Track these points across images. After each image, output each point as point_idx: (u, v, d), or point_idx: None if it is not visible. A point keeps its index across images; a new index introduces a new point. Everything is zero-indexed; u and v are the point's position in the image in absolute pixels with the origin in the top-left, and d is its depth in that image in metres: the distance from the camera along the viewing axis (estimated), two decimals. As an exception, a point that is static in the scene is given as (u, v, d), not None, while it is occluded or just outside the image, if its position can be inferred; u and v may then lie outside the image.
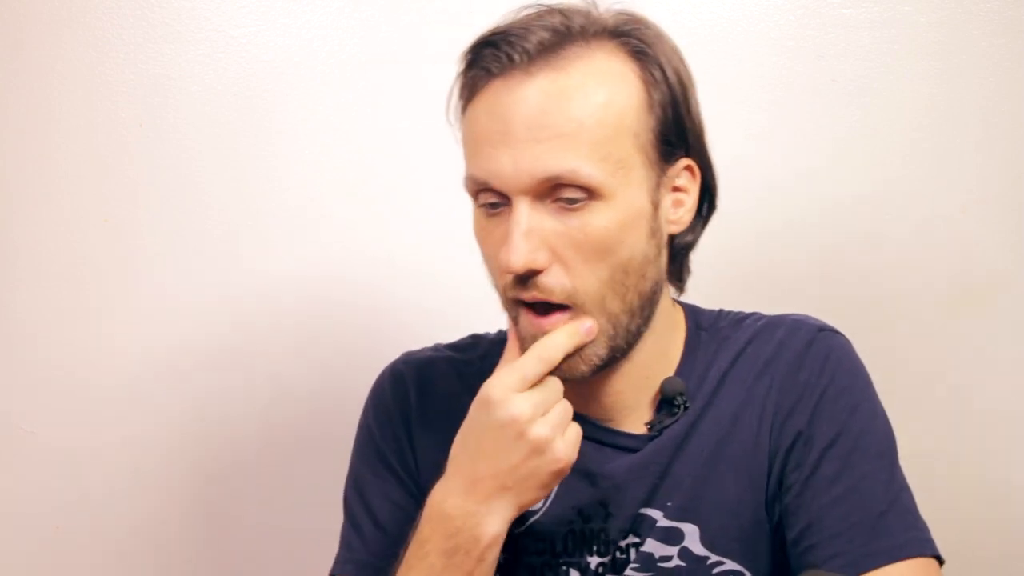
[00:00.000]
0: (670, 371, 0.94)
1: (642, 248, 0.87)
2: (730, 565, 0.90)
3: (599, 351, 0.86)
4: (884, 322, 1.42)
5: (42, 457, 1.35)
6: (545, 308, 0.86)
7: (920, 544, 0.86)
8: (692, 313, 0.98)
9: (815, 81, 1.41)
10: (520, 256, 0.83)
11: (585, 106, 0.84)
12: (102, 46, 1.33)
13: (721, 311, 0.99)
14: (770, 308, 0.99)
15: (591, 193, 0.83)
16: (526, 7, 0.89)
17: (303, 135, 1.37)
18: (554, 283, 0.84)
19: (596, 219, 0.84)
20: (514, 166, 0.83)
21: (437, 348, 1.03)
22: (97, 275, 1.35)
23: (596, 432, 0.93)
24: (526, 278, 0.84)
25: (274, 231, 1.37)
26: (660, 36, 0.90)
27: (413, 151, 1.38)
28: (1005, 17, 1.41)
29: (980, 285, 1.43)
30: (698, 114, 0.91)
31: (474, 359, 1.00)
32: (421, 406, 0.98)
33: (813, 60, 1.41)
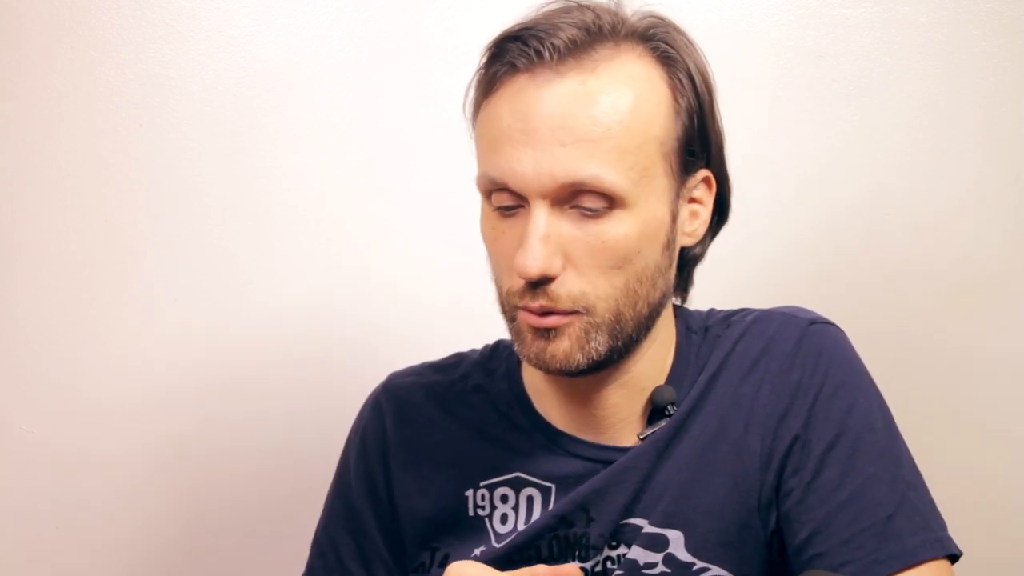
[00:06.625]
0: (662, 379, 0.92)
1: (656, 259, 0.86)
2: (716, 571, 0.88)
3: (599, 347, 0.84)
4: (883, 321, 1.42)
5: (42, 457, 1.35)
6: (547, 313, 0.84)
7: (932, 545, 0.83)
8: (682, 316, 0.96)
9: (815, 81, 1.41)
10: (536, 261, 0.80)
11: (613, 111, 0.81)
12: (102, 46, 1.33)
13: (711, 310, 0.98)
14: (768, 307, 0.99)
15: (612, 201, 0.82)
16: (549, 3, 0.86)
17: (303, 135, 1.37)
18: (563, 291, 0.82)
19: (616, 228, 0.82)
20: (535, 168, 0.81)
21: (422, 370, 1.02)
22: (97, 275, 1.35)
23: (588, 451, 0.92)
24: (536, 284, 0.82)
25: (274, 231, 1.37)
26: (688, 41, 0.88)
27: (413, 151, 1.38)
28: (1005, 17, 1.41)
29: (980, 285, 1.43)
30: (720, 124, 0.90)
31: (455, 380, 0.99)
32: (399, 437, 0.98)
33: (813, 60, 1.41)
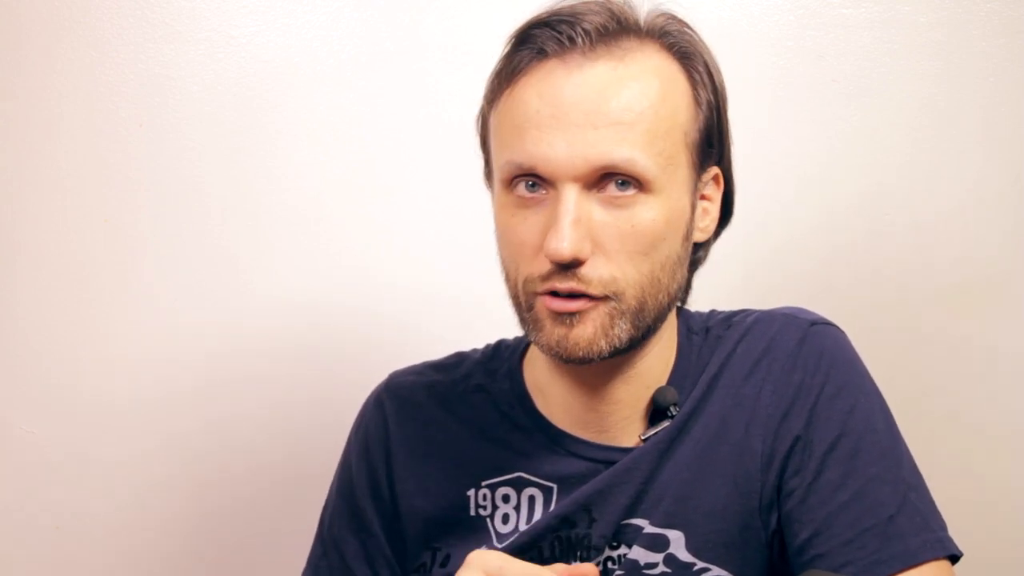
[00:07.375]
0: (665, 378, 0.92)
1: (677, 249, 0.87)
2: (717, 571, 0.88)
3: (622, 334, 0.84)
4: (883, 321, 1.42)
5: (42, 457, 1.35)
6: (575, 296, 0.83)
7: (933, 546, 0.84)
8: (683, 317, 0.96)
9: (815, 81, 1.41)
10: (571, 243, 0.80)
11: (644, 97, 0.83)
12: (102, 46, 1.33)
13: (712, 311, 0.98)
14: (768, 307, 0.99)
15: (642, 186, 0.82)
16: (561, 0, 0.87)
17: (303, 135, 1.37)
18: (594, 275, 0.82)
19: (644, 212, 0.83)
20: (568, 151, 0.81)
21: (423, 370, 1.02)
22: (97, 276, 1.35)
23: (589, 451, 0.92)
24: (566, 267, 0.82)
25: (274, 231, 1.37)
26: (701, 40, 0.90)
27: (413, 151, 1.38)
28: (1005, 17, 1.41)
29: (980, 285, 1.43)
30: (729, 124, 0.91)
31: (457, 380, 0.99)
32: (401, 436, 0.98)
33: (813, 60, 1.41)
